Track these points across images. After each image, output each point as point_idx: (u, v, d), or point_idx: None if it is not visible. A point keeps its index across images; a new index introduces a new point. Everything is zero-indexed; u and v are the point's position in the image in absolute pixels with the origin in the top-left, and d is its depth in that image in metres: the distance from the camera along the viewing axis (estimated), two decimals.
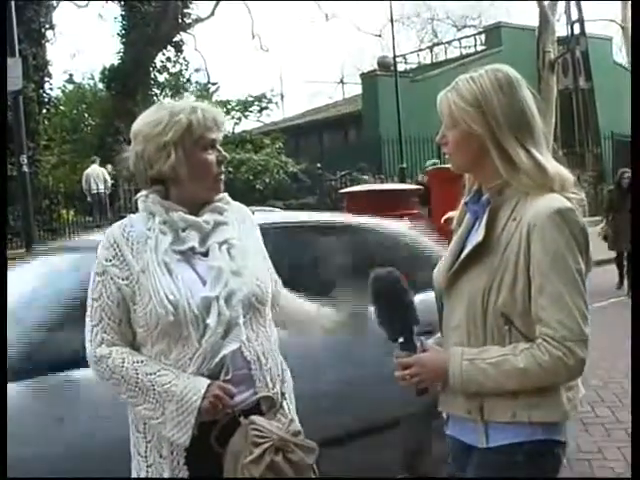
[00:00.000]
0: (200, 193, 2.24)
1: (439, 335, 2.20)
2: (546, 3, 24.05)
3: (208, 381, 2.08)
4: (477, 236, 2.03)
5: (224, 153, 2.26)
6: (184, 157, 2.16)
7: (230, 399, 2.09)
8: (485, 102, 2.01)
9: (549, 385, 1.96)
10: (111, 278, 2.15)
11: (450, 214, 2.27)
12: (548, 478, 2.07)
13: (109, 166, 17.96)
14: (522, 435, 1.98)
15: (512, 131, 2.00)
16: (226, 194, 2.31)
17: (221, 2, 25.38)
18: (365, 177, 19.42)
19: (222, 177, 2.27)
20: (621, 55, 35.49)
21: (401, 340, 2.06)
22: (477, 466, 2.07)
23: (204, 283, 2.14)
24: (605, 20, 36.73)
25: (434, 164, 12.76)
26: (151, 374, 2.10)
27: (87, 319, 2.20)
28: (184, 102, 2.23)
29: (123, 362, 2.13)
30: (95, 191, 16.93)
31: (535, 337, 1.94)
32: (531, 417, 1.97)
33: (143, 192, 2.25)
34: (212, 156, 2.21)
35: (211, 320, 2.09)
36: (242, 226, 2.32)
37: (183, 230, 2.18)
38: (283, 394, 2.26)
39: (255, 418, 2.11)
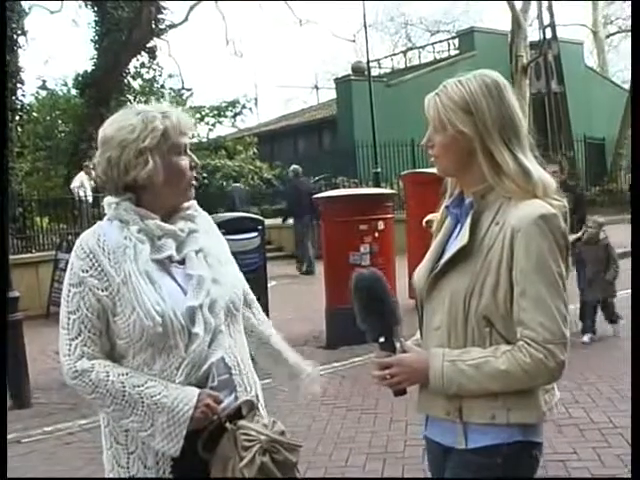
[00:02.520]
0: (173, 198, 2.21)
1: (417, 337, 2.21)
2: (518, 7, 24.25)
3: (198, 390, 2.07)
4: (460, 239, 2.04)
5: (195, 158, 2.24)
6: (161, 163, 2.13)
7: (218, 406, 2.09)
8: (475, 105, 2.01)
9: (529, 387, 1.98)
10: (89, 289, 2.09)
11: (430, 217, 2.27)
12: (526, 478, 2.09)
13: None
14: (501, 437, 2.00)
15: (500, 135, 2.01)
16: (195, 202, 2.28)
17: (195, 8, 25.20)
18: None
19: (194, 182, 2.25)
20: (592, 59, 35.97)
21: (381, 340, 2.07)
22: (456, 467, 2.08)
23: (184, 292, 2.13)
24: (576, 25, 37.24)
25: None
26: (139, 386, 2.06)
27: (62, 332, 2.12)
28: (155, 107, 2.19)
29: (108, 376, 2.08)
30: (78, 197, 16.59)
31: (515, 340, 1.95)
32: (510, 418, 1.98)
33: (112, 199, 2.18)
34: (185, 161, 2.20)
35: (199, 329, 2.08)
36: (210, 234, 2.31)
37: (159, 238, 2.15)
38: (257, 396, 2.27)
39: (242, 423, 2.11)
